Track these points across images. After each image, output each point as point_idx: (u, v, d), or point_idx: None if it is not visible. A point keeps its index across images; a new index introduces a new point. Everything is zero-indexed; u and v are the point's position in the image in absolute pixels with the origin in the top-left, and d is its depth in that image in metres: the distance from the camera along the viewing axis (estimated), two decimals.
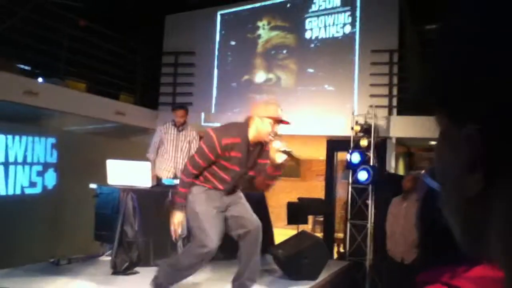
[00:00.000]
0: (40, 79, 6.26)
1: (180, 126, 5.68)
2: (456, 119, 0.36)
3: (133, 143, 7.44)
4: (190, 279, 3.67)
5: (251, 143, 3.37)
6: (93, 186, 4.83)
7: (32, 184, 5.64)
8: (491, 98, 0.32)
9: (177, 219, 3.42)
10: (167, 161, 5.56)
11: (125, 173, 4.89)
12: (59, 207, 5.80)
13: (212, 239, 3.30)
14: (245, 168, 3.41)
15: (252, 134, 3.35)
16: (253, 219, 3.59)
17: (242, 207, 3.58)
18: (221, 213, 3.46)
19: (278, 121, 3.34)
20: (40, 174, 5.75)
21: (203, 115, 8.06)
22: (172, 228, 3.47)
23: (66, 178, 5.94)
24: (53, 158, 5.91)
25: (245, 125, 3.38)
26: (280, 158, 3.27)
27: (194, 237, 3.41)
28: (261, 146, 3.45)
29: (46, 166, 5.82)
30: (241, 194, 3.65)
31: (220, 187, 3.40)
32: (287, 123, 3.41)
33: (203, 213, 3.33)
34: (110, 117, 7.02)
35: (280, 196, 9.59)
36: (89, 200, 4.84)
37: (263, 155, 3.46)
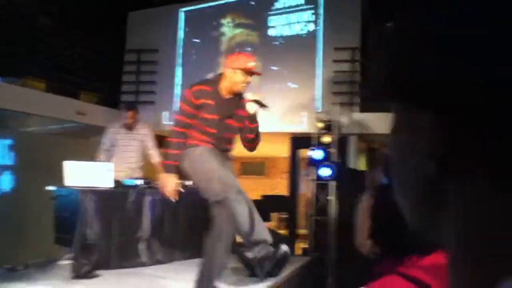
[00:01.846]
0: None
1: (131, 126, 5.60)
2: (418, 107, 0.36)
3: (95, 143, 7.29)
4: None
5: (224, 93, 3.45)
6: (50, 188, 4.72)
7: None
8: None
9: (170, 182, 3.39)
10: (120, 162, 5.48)
11: (84, 174, 4.79)
12: (17, 211, 5.65)
13: (232, 183, 3.35)
14: (222, 116, 3.44)
15: (225, 85, 3.44)
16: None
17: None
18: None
19: (249, 71, 3.43)
20: None
21: (165, 114, 8.00)
22: (166, 194, 3.43)
23: (25, 180, 5.79)
24: (10, 160, 5.75)
25: (217, 77, 3.52)
26: (251, 108, 3.41)
27: (212, 191, 3.33)
28: (238, 99, 3.51)
29: (2, 168, 5.66)
30: (232, 165, 3.70)
31: (210, 140, 3.42)
32: (259, 73, 3.56)
33: (213, 167, 3.33)
34: (71, 117, 6.88)
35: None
36: (48, 203, 4.72)
37: (241, 106, 3.50)
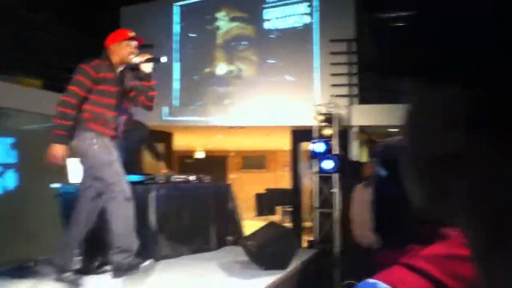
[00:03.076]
0: None
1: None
2: (439, 80, 0.36)
3: None
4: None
5: (115, 66, 3.61)
6: (55, 185, 4.70)
7: None
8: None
9: (57, 151, 3.44)
10: None
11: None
12: (22, 208, 5.63)
13: (122, 180, 3.47)
14: (121, 87, 3.61)
15: (114, 59, 3.61)
16: None
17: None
18: None
19: (132, 38, 3.67)
20: (0, 175, 5.55)
21: (164, 109, 7.97)
22: (50, 161, 3.49)
23: (28, 178, 5.76)
24: (12, 159, 5.71)
25: (104, 54, 3.64)
26: (147, 67, 3.66)
27: (108, 184, 3.43)
28: (128, 71, 3.74)
29: (5, 167, 5.63)
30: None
31: (108, 113, 3.51)
32: (141, 40, 3.76)
33: (112, 161, 3.47)
34: None
35: (247, 188, 9.62)
36: (53, 200, 4.70)
37: (130, 77, 3.75)
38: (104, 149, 3.48)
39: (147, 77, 3.73)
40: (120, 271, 3.47)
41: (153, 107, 3.95)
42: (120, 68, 3.66)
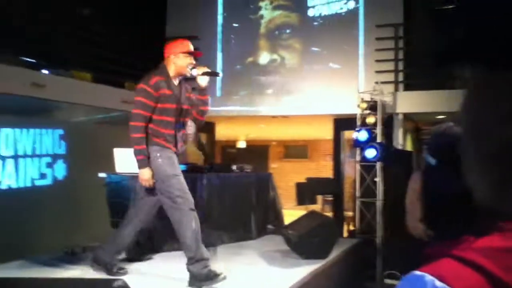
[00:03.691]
0: (45, 71, 6.28)
1: None
2: (497, 70, 0.35)
3: None
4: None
5: (174, 80, 3.63)
6: (102, 175, 4.88)
7: (42, 176, 5.71)
8: None
9: (145, 175, 3.57)
10: None
11: (133, 161, 4.91)
12: (71, 197, 5.87)
13: (186, 192, 3.56)
14: (180, 103, 3.63)
15: (172, 71, 3.62)
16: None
17: None
18: None
19: (191, 53, 3.67)
20: (50, 165, 5.81)
21: (210, 99, 8.05)
22: (143, 184, 3.63)
23: (76, 168, 6.01)
24: (61, 150, 5.97)
25: (162, 66, 3.66)
26: (203, 81, 3.67)
27: (174, 196, 3.52)
28: (184, 81, 3.74)
29: (55, 157, 5.88)
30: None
31: (168, 131, 3.58)
32: (199, 53, 3.83)
33: (177, 174, 3.56)
34: (117, 106, 7.03)
35: (288, 177, 9.62)
36: (101, 189, 4.88)
37: (188, 89, 3.77)
38: (168, 162, 3.57)
39: (202, 90, 3.74)
40: (198, 281, 3.51)
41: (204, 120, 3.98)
42: (177, 81, 3.67)
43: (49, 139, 5.84)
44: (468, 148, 0.37)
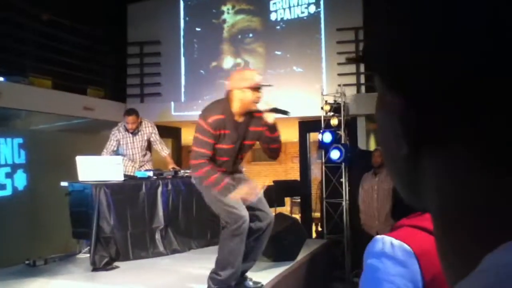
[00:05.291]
0: (1, 78, 6.08)
1: (134, 130, 5.58)
2: (387, 85, 0.36)
3: (104, 137, 7.32)
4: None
5: (236, 116, 3.35)
6: (64, 184, 4.76)
7: (1, 187, 5.52)
8: (435, 55, 0.33)
9: (243, 191, 3.36)
10: (125, 160, 5.48)
11: (96, 169, 4.83)
12: (32, 208, 5.70)
13: (241, 210, 3.33)
14: (237, 142, 3.40)
15: (236, 106, 3.32)
16: (268, 210, 3.66)
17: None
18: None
19: (258, 87, 3.34)
20: (9, 175, 5.63)
21: (173, 104, 8.00)
22: (248, 198, 3.40)
23: (37, 178, 5.83)
24: (21, 159, 5.78)
25: (226, 100, 3.37)
26: (270, 117, 3.31)
27: (225, 220, 3.38)
28: (250, 115, 3.42)
29: (14, 167, 5.70)
30: (245, 176, 3.69)
31: (222, 170, 3.38)
32: (268, 85, 3.45)
33: (226, 199, 3.32)
34: (79, 113, 6.89)
35: (257, 180, 9.60)
36: (63, 198, 4.76)
37: (255, 122, 3.42)
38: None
39: (271, 128, 3.37)
40: None
41: (278, 157, 3.74)
42: (239, 119, 3.38)
43: (7, 149, 5.66)
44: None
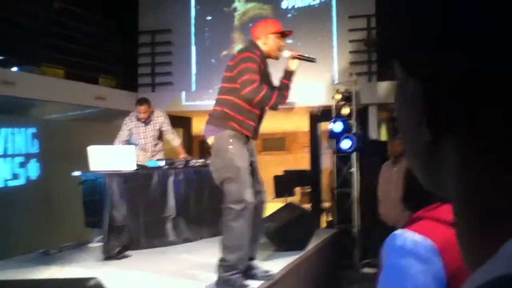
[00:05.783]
0: (15, 68, 6.13)
1: (145, 119, 5.61)
2: (406, 71, 0.37)
3: (117, 126, 7.36)
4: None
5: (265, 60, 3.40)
6: (77, 173, 4.81)
7: (15, 176, 5.60)
8: (438, 53, 0.33)
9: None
10: (137, 150, 5.51)
11: (108, 158, 4.87)
12: (46, 197, 5.78)
13: (249, 193, 3.27)
14: (270, 84, 3.41)
15: (264, 52, 3.35)
16: (263, 188, 3.61)
17: (255, 169, 3.55)
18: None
19: (282, 33, 3.38)
20: (23, 165, 5.70)
21: (184, 94, 8.01)
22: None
23: (50, 167, 5.90)
24: (35, 148, 5.85)
25: (252, 45, 3.38)
26: (294, 64, 3.38)
27: (229, 194, 3.27)
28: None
29: (28, 157, 5.77)
30: (254, 148, 3.62)
31: (253, 111, 3.31)
32: (291, 32, 3.50)
33: (244, 169, 3.26)
34: (91, 103, 6.93)
35: (267, 170, 9.60)
36: (76, 188, 4.82)
37: (271, 73, 3.50)
38: (239, 153, 3.26)
39: (288, 75, 3.42)
40: (223, 285, 3.35)
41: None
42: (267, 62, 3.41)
43: (21, 138, 5.73)
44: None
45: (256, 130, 3.42)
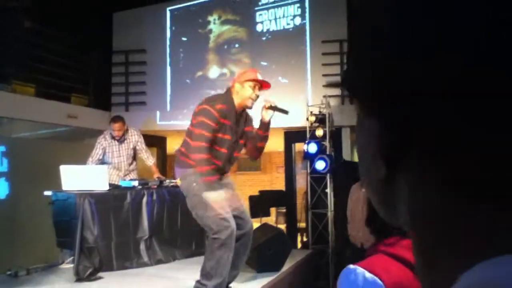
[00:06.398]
0: None
1: (120, 137, 5.57)
2: (366, 109, 0.38)
3: (88, 146, 7.25)
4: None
5: (237, 110, 3.42)
6: (47, 193, 4.70)
7: None
8: (394, 97, 0.34)
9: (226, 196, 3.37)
10: (110, 169, 5.46)
11: (80, 178, 4.78)
12: (14, 217, 5.61)
13: (229, 218, 3.32)
14: (235, 136, 3.45)
15: (236, 101, 3.41)
16: (248, 218, 3.66)
17: (237, 200, 3.60)
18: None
19: (258, 83, 3.42)
20: None
21: (158, 113, 7.97)
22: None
23: (20, 186, 5.74)
24: (3, 167, 5.70)
25: (228, 93, 3.45)
26: (268, 115, 3.42)
27: (209, 227, 3.33)
28: (245, 114, 3.54)
29: None
30: (233, 182, 3.69)
31: (217, 162, 3.37)
32: (267, 84, 3.49)
33: (214, 199, 3.28)
34: (62, 121, 6.83)
35: (242, 190, 9.62)
36: (45, 207, 4.70)
37: (248, 122, 3.56)
38: (204, 188, 3.29)
39: (264, 126, 3.47)
40: None
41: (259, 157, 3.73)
42: (238, 113, 3.45)
43: None
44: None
45: (223, 168, 3.49)
